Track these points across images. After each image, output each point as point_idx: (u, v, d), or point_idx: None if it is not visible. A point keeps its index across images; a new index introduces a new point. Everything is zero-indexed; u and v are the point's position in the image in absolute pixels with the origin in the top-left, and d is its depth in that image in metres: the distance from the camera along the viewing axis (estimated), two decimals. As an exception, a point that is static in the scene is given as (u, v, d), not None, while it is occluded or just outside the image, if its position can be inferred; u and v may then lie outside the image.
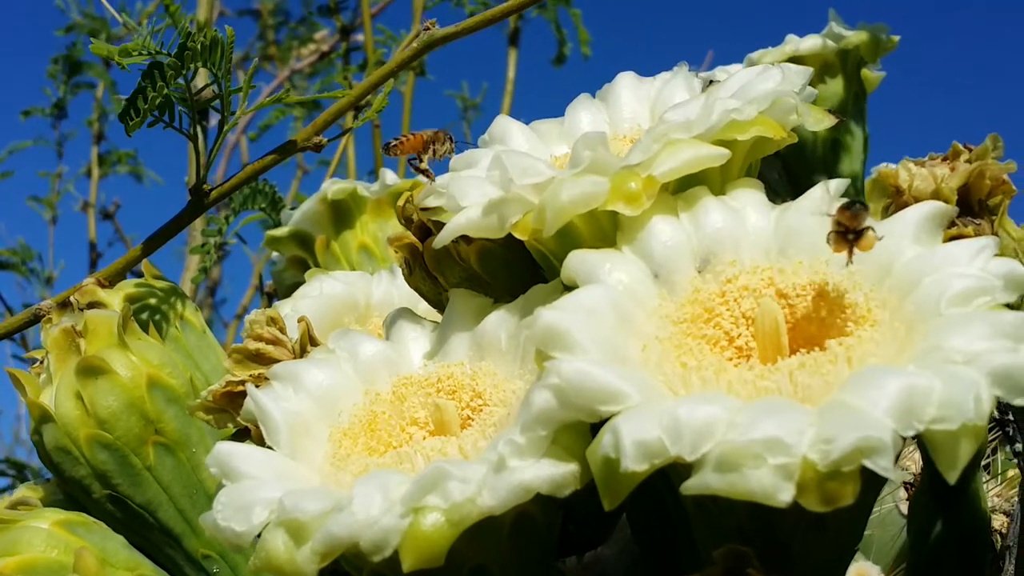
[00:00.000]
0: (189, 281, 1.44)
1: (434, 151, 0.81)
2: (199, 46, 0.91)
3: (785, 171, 1.27)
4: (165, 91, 0.89)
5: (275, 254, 1.42)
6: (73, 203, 2.79)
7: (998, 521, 0.89)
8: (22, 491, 0.94)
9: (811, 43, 1.23)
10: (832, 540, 0.56)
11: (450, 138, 0.84)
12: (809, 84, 1.02)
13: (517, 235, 0.63)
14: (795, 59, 1.23)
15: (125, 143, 2.78)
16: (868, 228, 0.57)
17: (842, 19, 1.26)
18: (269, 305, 1.68)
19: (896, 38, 1.31)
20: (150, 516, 0.85)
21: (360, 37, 2.14)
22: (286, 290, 1.43)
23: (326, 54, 2.83)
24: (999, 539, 0.88)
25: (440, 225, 0.68)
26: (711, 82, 0.77)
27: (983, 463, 0.95)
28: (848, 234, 0.58)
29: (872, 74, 1.33)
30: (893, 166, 0.72)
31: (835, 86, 1.27)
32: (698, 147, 0.62)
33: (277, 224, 1.45)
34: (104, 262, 2.66)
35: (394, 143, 0.83)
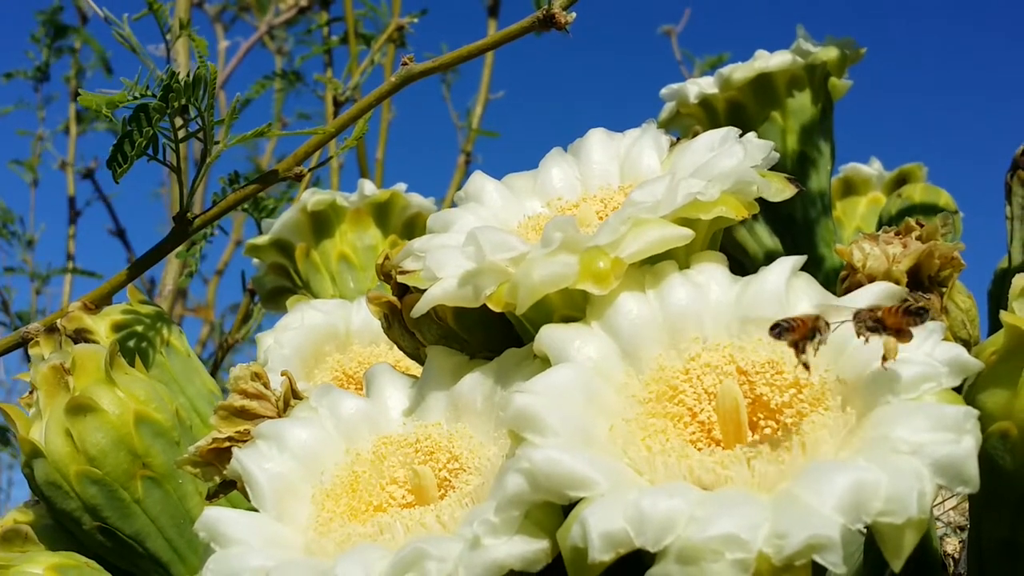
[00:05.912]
0: (171, 283, 1.46)
1: (820, 340, 0.64)
2: (183, 84, 0.93)
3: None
4: (151, 133, 0.90)
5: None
6: (52, 162, 2.78)
7: (951, 545, 0.93)
8: (12, 515, 0.97)
9: (780, 59, 1.25)
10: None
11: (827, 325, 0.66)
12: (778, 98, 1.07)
13: (492, 307, 0.66)
14: (764, 75, 1.25)
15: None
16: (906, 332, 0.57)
17: (810, 34, 1.28)
18: (252, 301, 1.71)
19: (863, 50, 1.33)
20: (139, 546, 0.89)
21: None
22: (267, 294, 1.46)
23: (305, 9, 2.82)
24: (952, 564, 0.92)
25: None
26: (678, 139, 0.79)
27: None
28: (892, 331, 0.57)
29: (840, 83, 1.35)
30: (863, 237, 0.69)
31: (803, 99, 1.29)
32: (664, 227, 0.64)
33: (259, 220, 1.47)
34: (83, 221, 2.65)
35: (785, 326, 0.66)
